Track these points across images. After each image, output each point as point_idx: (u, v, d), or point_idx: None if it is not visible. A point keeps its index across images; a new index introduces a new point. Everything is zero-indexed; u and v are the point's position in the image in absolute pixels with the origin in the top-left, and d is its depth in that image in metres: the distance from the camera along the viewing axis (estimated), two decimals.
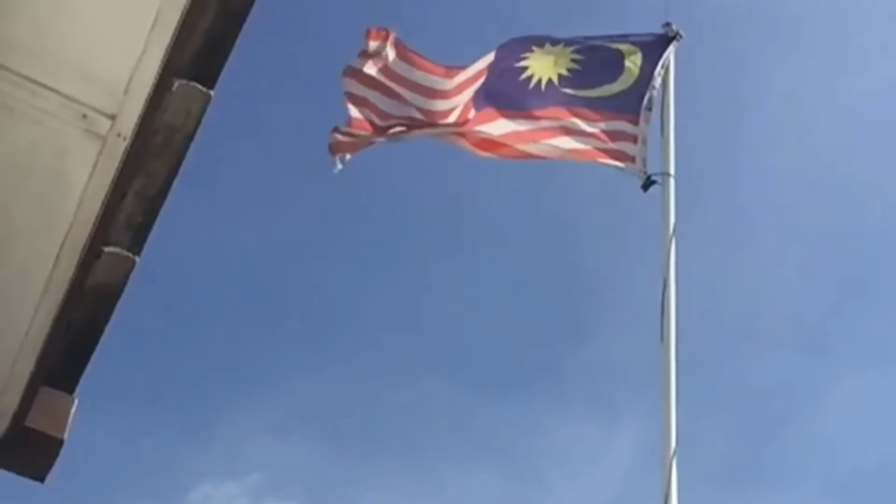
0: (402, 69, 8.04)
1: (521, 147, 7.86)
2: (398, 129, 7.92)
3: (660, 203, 7.39)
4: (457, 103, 7.97)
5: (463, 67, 8.14)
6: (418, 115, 7.95)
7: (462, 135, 7.97)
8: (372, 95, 7.93)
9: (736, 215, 15.61)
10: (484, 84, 8.02)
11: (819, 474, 16.79)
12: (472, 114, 7.93)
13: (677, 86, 7.92)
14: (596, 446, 16.81)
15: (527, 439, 16.67)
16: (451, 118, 7.93)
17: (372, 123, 7.90)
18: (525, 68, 8.04)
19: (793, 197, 15.68)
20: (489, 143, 7.90)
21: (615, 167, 7.69)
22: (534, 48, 8.10)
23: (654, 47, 8.04)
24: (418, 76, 8.04)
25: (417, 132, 7.98)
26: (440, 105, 7.98)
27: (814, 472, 16.75)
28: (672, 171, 7.50)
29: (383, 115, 7.93)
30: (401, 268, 16.96)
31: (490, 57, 8.17)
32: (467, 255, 16.67)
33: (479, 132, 7.87)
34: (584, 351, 17.09)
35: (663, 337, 6.73)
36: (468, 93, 8.00)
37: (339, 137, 7.89)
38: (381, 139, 7.92)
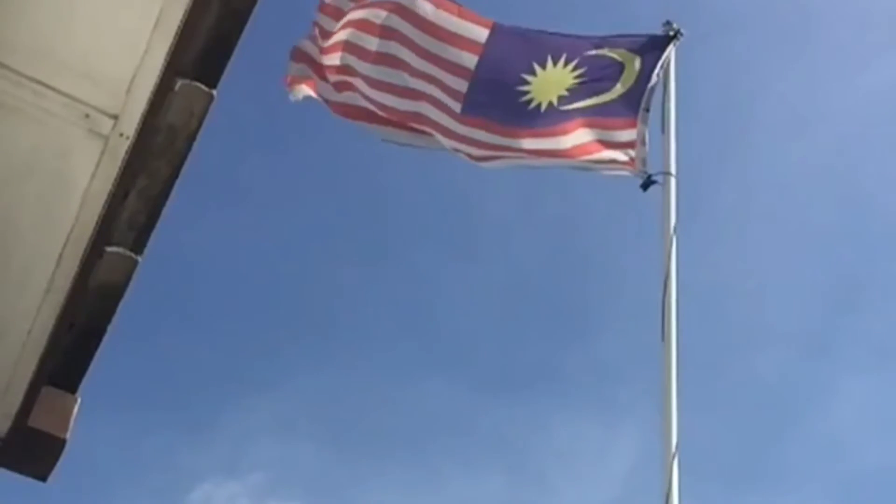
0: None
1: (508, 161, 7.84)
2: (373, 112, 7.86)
3: (660, 202, 7.39)
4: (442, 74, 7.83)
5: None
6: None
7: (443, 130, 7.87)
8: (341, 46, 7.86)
9: (737, 214, 15.60)
10: (476, 81, 7.93)
11: (822, 475, 16.79)
12: (458, 108, 7.86)
13: (678, 84, 7.92)
14: (598, 446, 16.82)
15: (529, 439, 16.68)
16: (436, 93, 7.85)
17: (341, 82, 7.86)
18: (527, 92, 7.98)
19: (795, 196, 15.68)
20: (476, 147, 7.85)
21: (613, 175, 7.70)
22: (536, 69, 8.03)
23: (653, 47, 8.02)
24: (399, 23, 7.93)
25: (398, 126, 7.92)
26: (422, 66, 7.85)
27: (816, 473, 16.75)
28: (673, 170, 7.49)
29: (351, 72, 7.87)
30: (403, 267, 16.97)
31: (485, 32, 8.07)
32: (470, 255, 16.68)
33: (463, 135, 7.82)
34: (585, 350, 17.08)
35: (664, 336, 6.73)
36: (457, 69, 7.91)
37: (302, 69, 7.86)
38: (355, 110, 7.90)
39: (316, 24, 7.98)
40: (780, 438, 16.62)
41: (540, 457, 16.97)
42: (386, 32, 7.96)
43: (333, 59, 7.94)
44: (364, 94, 7.92)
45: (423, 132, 7.95)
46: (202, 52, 3.10)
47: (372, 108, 7.92)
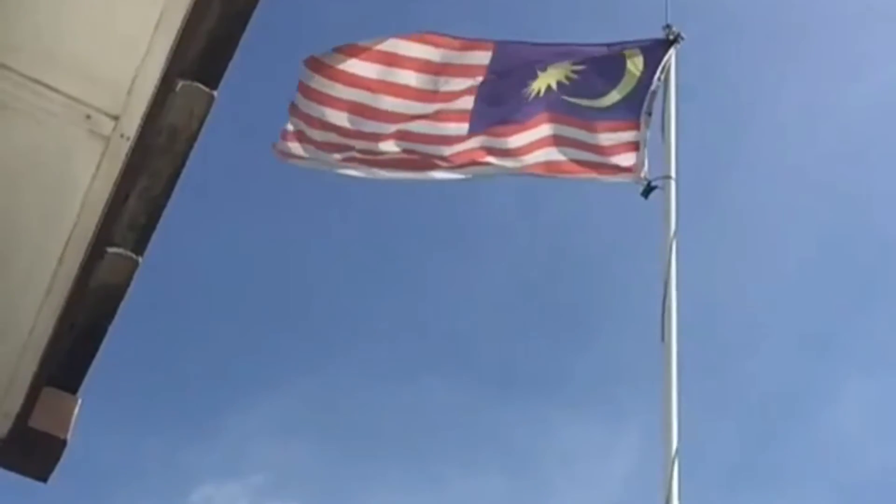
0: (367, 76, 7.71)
1: (511, 163, 7.82)
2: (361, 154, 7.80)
3: (661, 205, 7.41)
4: (440, 108, 7.78)
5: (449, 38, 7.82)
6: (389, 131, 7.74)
7: (447, 159, 7.85)
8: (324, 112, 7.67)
9: (738, 217, 15.61)
10: (480, 96, 7.87)
11: (823, 477, 16.79)
12: (465, 130, 7.81)
13: (679, 88, 7.93)
14: (599, 447, 16.82)
15: (529, 440, 16.69)
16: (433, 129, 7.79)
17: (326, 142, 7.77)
18: (530, 91, 7.96)
19: (795, 198, 15.69)
20: (476, 158, 7.83)
21: (614, 182, 7.71)
22: (538, 73, 8.01)
23: (654, 50, 8.03)
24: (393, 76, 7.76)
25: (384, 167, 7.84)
26: (419, 108, 7.75)
27: (818, 475, 16.76)
28: (673, 173, 7.51)
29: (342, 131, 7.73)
30: (404, 269, 16.98)
31: (487, 54, 7.96)
32: (470, 256, 16.69)
33: (465, 151, 7.80)
34: (586, 352, 17.10)
35: (665, 338, 6.74)
36: (458, 98, 7.83)
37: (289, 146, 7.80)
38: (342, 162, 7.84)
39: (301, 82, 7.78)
40: (780, 440, 16.64)
41: (540, 458, 16.98)
42: (381, 86, 7.74)
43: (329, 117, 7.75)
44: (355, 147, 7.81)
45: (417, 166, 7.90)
46: (203, 53, 3.10)
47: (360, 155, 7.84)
